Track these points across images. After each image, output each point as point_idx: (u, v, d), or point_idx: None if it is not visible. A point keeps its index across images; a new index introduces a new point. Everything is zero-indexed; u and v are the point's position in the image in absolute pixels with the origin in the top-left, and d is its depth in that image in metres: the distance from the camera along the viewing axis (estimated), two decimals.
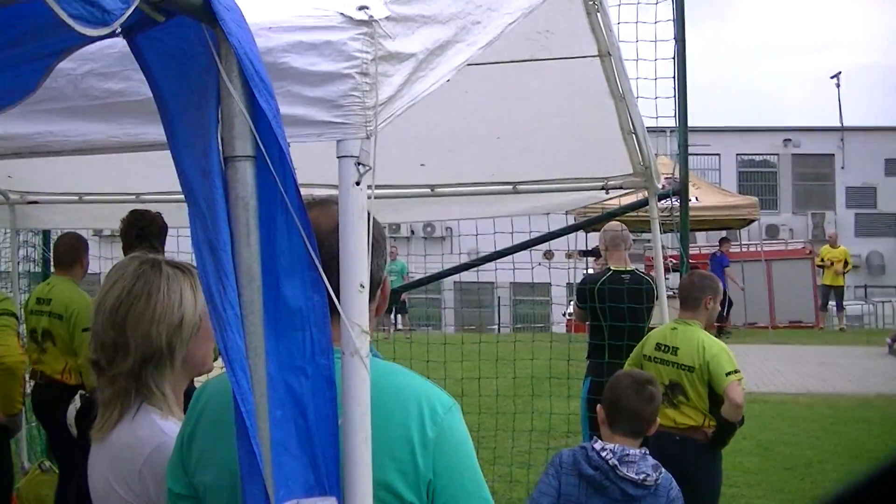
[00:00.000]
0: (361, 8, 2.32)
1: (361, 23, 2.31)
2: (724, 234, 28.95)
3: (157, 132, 2.37)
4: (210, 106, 2.16)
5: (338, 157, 2.29)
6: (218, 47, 2.12)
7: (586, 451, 4.50)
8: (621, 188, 7.70)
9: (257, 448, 2.07)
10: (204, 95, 2.17)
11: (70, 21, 1.79)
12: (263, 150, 2.12)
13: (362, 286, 2.24)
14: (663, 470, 4.51)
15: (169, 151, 2.31)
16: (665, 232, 9.02)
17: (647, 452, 4.54)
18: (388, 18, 2.37)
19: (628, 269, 8.50)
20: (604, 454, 4.42)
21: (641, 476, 4.38)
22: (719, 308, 7.26)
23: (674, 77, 8.31)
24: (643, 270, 9.00)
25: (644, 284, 8.38)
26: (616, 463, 4.39)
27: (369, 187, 2.29)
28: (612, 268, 8.54)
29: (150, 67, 2.27)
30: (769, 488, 10.32)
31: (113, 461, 2.93)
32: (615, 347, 8.01)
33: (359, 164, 2.27)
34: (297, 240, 2.16)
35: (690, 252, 23.08)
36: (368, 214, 2.29)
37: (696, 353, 6.68)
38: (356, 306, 2.24)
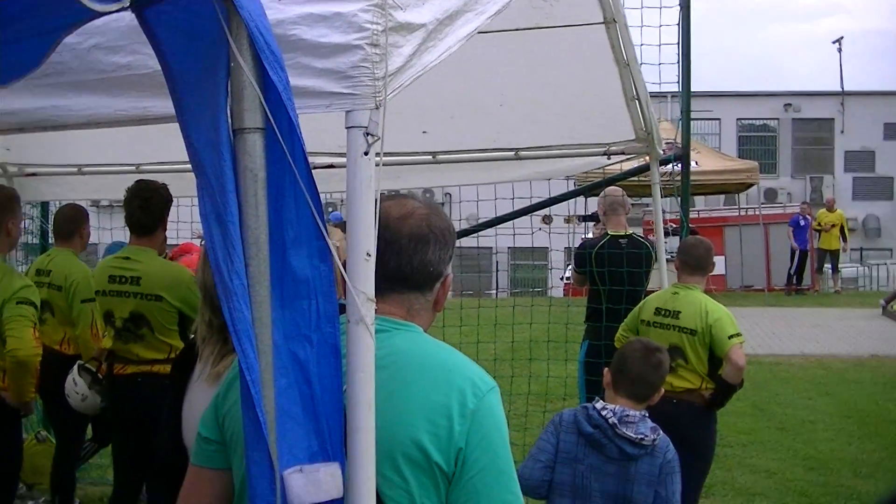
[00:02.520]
0: None
1: None
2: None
3: (165, 105, 2.40)
4: (220, 79, 2.18)
5: (346, 128, 2.31)
6: (228, 20, 2.13)
7: (587, 411, 4.56)
8: (623, 154, 7.72)
9: (262, 416, 2.12)
10: (213, 68, 2.19)
11: None
12: (273, 122, 2.15)
13: (368, 255, 2.28)
14: (661, 432, 4.56)
15: (171, 123, 2.35)
16: (665, 196, 9.05)
17: (647, 415, 4.60)
18: None
19: (626, 233, 8.53)
20: (604, 413, 4.48)
21: (640, 436, 4.44)
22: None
23: (678, 43, 8.32)
24: (641, 235, 9.03)
25: (642, 249, 8.43)
26: (616, 422, 4.45)
27: (377, 155, 2.33)
28: (610, 232, 8.57)
29: (160, 41, 2.29)
30: (762, 447, 10.43)
31: None
32: (613, 311, 8.06)
33: (367, 134, 2.29)
34: (305, 210, 2.19)
35: (690, 216, 23.02)
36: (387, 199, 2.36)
37: (699, 317, 6.72)
38: (362, 274, 2.28)
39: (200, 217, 2.20)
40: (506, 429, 2.57)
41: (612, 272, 8.30)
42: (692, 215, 27.68)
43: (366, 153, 2.29)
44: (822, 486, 9.11)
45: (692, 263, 7.04)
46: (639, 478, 4.47)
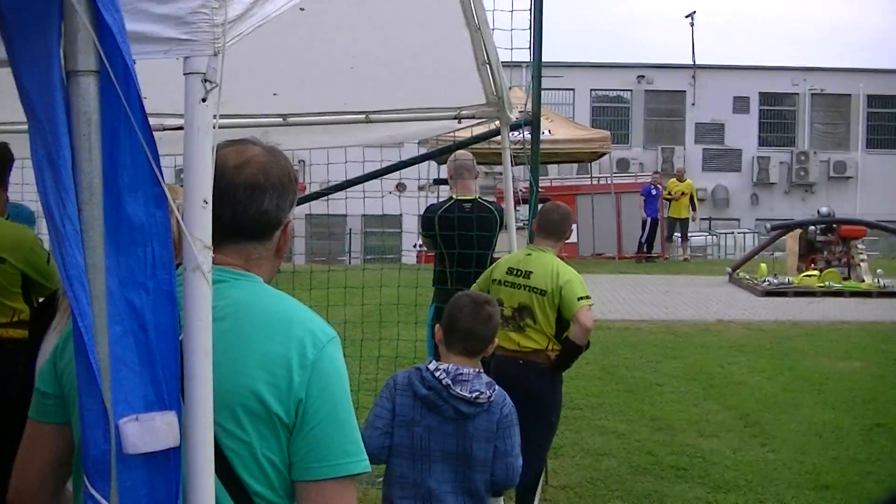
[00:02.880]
0: None
1: None
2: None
3: None
4: (52, 19, 2.11)
5: (185, 74, 2.28)
6: None
7: (420, 372, 4.52)
8: (474, 118, 7.75)
9: (95, 363, 2.07)
10: (46, 8, 2.12)
11: None
12: (107, 65, 2.09)
13: (205, 202, 2.25)
14: (497, 387, 4.57)
15: (5, 68, 2.29)
16: (518, 164, 9.13)
17: (482, 371, 4.59)
18: None
19: (471, 197, 8.58)
20: (437, 374, 4.46)
21: (474, 394, 4.43)
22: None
23: (530, 9, 8.36)
24: (488, 199, 9.10)
25: (487, 213, 8.49)
26: (449, 382, 4.42)
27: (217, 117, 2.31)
28: (454, 196, 8.64)
29: None
30: (610, 410, 10.66)
31: None
32: (459, 274, 8.11)
33: (205, 80, 2.26)
34: (141, 156, 2.15)
35: (543, 185, 23.29)
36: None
37: (549, 278, 6.82)
38: (199, 222, 2.25)
39: (32, 161, 2.15)
40: (346, 379, 2.57)
41: (456, 236, 8.35)
42: (545, 184, 28.18)
43: (203, 100, 2.26)
44: (667, 445, 9.34)
45: (547, 228, 7.15)
46: (477, 435, 4.48)
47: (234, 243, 2.59)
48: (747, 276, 22.35)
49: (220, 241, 2.44)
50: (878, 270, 21.77)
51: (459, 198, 8.56)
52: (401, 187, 12.07)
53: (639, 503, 7.87)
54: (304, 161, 23.43)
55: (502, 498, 7.50)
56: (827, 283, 20.89)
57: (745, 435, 9.83)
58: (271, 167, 2.61)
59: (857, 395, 11.56)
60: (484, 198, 8.90)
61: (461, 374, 4.47)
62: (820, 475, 8.61)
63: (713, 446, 9.38)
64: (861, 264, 21.98)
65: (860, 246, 22.32)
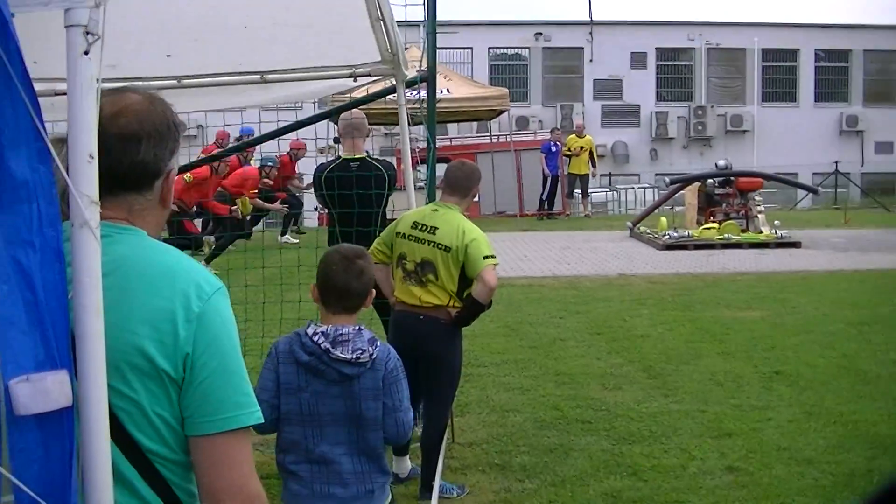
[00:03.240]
0: None
1: None
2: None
3: None
4: None
5: (66, 27, 2.20)
6: None
7: (300, 338, 4.46)
8: (370, 76, 7.70)
9: None
10: None
11: None
12: None
13: (91, 157, 2.20)
14: (379, 343, 4.53)
15: None
16: (416, 124, 9.10)
17: (362, 327, 4.54)
18: None
19: (359, 156, 8.57)
20: (316, 339, 4.39)
21: (356, 354, 4.38)
22: None
23: None
24: (377, 158, 9.07)
25: (373, 171, 8.48)
26: (328, 346, 4.37)
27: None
28: (342, 155, 8.62)
29: None
30: (515, 366, 10.73)
31: None
32: (344, 234, 8.08)
33: (87, 33, 2.20)
34: (23, 110, 2.08)
35: (442, 144, 23.23)
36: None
37: (455, 235, 6.83)
38: (85, 177, 2.19)
39: None
40: (234, 327, 2.53)
41: (342, 195, 8.34)
42: (444, 143, 28.15)
43: (86, 52, 2.20)
44: (572, 399, 9.43)
45: (452, 184, 7.17)
46: (364, 394, 4.45)
47: (114, 196, 2.51)
48: (648, 231, 22.64)
49: (100, 194, 2.38)
50: (776, 222, 22.17)
51: (347, 157, 8.55)
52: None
53: (545, 457, 7.92)
54: (202, 126, 23.13)
55: (408, 457, 7.56)
56: (726, 235, 21.23)
57: (649, 387, 9.95)
58: (148, 115, 2.54)
59: (757, 344, 11.77)
60: (373, 157, 8.88)
61: (341, 334, 4.41)
62: (721, 423, 8.76)
63: (617, 399, 9.48)
64: (759, 216, 22.33)
65: (757, 198, 22.66)
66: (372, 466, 4.54)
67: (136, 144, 2.50)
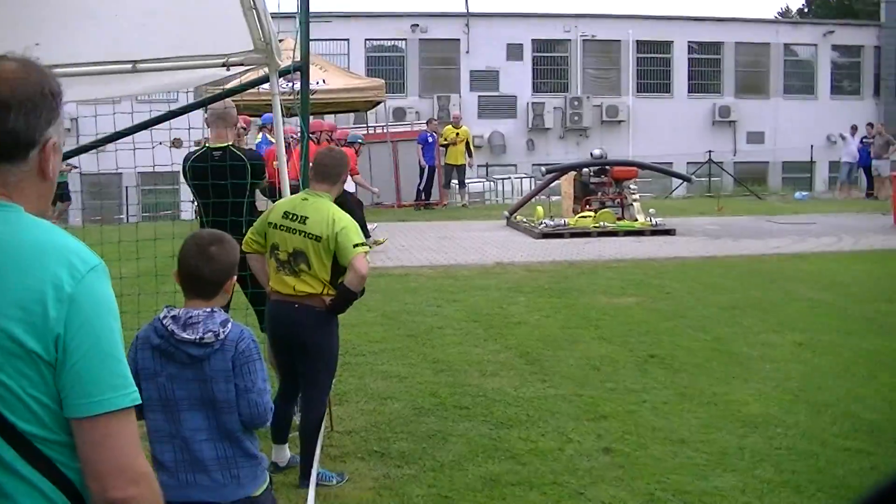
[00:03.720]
0: None
1: None
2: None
3: None
4: None
5: None
6: None
7: (154, 322, 4.44)
8: (242, 65, 7.66)
9: None
10: None
11: None
12: None
13: None
14: (232, 324, 4.49)
15: None
16: (292, 115, 9.08)
17: (216, 310, 4.49)
18: None
19: (222, 145, 8.55)
20: (165, 322, 4.37)
21: (203, 335, 4.35)
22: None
23: None
24: (241, 148, 9.04)
25: (237, 161, 8.46)
26: (174, 329, 4.34)
27: None
28: (207, 145, 8.60)
29: None
30: (393, 354, 10.75)
31: None
32: (216, 223, 8.03)
33: None
34: None
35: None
36: None
37: (325, 224, 6.83)
38: None
39: None
40: (112, 305, 2.50)
41: (204, 185, 8.34)
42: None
43: None
44: (450, 386, 9.48)
45: (321, 172, 7.18)
46: (215, 376, 4.42)
47: None
48: (524, 220, 22.81)
49: None
50: (651, 210, 22.51)
51: (211, 146, 8.53)
52: (177, 143, 11.85)
53: (424, 443, 7.97)
54: (74, 119, 22.72)
55: (287, 445, 7.55)
56: (601, 223, 21.46)
57: (526, 372, 10.05)
58: (20, 83, 2.47)
59: (633, 329, 11.96)
60: (237, 146, 8.84)
61: (191, 317, 4.38)
62: (598, 406, 8.90)
63: (495, 385, 9.56)
64: (634, 204, 22.65)
65: (632, 186, 22.97)
66: (235, 451, 4.49)
67: (5, 113, 2.43)
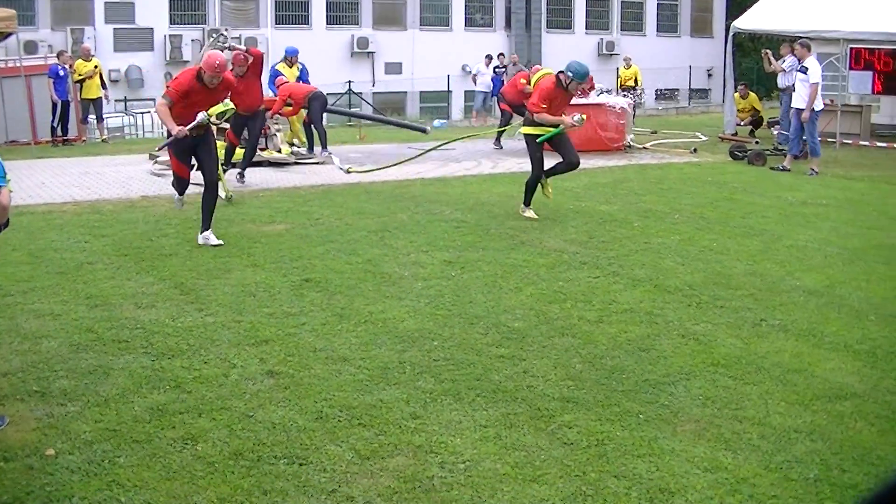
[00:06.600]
0: None
1: None
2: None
3: None
4: None
5: None
6: None
7: None
8: None
9: None
10: None
11: None
12: None
13: None
14: None
15: None
16: None
17: None
18: None
19: None
20: None
21: None
22: None
23: None
24: None
25: None
26: None
27: None
28: None
29: None
30: (44, 293, 10.41)
31: None
32: None
33: None
34: None
35: None
36: None
37: None
38: None
39: None
40: None
41: None
42: None
43: None
44: (107, 321, 9.32)
45: None
46: None
47: None
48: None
49: None
50: (294, 140, 22.72)
51: None
52: None
53: (85, 379, 7.82)
54: None
55: None
56: None
57: (182, 302, 10.01)
58: None
59: (285, 255, 12.10)
60: None
61: None
62: (258, 331, 9.01)
63: (152, 317, 9.48)
64: (276, 135, 22.73)
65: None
66: None
67: None
